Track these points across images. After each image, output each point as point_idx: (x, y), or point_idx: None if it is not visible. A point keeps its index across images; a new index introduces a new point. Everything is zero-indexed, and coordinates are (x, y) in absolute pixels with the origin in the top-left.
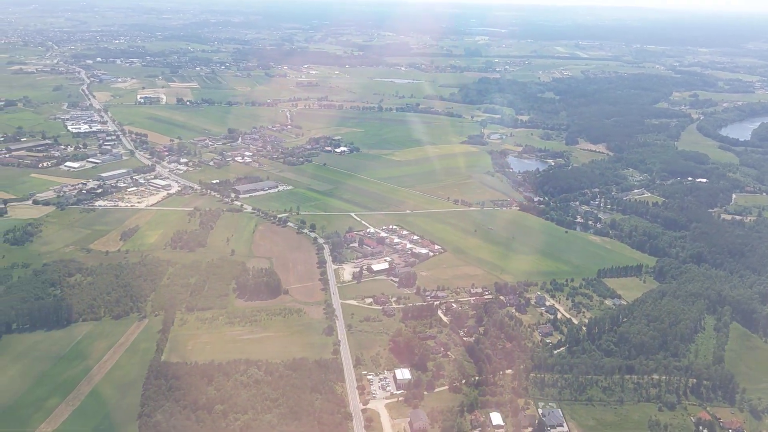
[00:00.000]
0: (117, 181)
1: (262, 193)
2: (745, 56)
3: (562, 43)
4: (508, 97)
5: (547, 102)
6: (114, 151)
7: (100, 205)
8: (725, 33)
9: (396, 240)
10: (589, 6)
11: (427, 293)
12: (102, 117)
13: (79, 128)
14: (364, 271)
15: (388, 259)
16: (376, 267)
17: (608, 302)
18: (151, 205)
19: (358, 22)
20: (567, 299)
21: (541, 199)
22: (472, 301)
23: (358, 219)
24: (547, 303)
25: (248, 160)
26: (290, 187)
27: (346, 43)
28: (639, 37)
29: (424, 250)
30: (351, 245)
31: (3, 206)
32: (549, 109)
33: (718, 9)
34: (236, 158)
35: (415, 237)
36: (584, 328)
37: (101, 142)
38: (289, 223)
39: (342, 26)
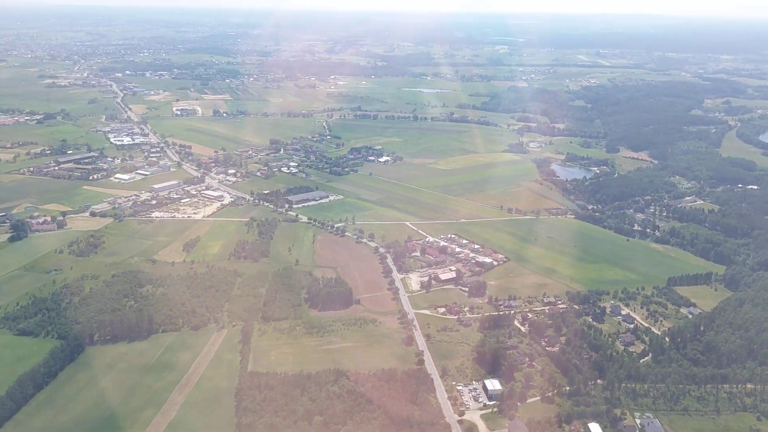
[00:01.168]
0: (169, 193)
1: (313, 203)
2: None
3: (583, 52)
4: (541, 105)
5: (579, 110)
6: (161, 162)
7: (156, 217)
8: (743, 39)
9: (457, 249)
10: (601, 14)
11: (500, 303)
12: (142, 129)
13: (122, 140)
14: (432, 281)
15: (453, 268)
16: (443, 276)
17: (683, 310)
18: (208, 216)
19: (375, 33)
20: (641, 308)
21: (595, 207)
22: (547, 311)
23: (414, 228)
24: (623, 312)
25: (294, 170)
26: (340, 196)
27: (367, 54)
28: (658, 45)
29: (487, 259)
30: (413, 254)
31: (62, 218)
32: (582, 117)
33: (729, 16)
34: (282, 168)
35: (476, 246)
36: (667, 338)
37: (147, 154)
38: (347, 233)
39: (360, 38)
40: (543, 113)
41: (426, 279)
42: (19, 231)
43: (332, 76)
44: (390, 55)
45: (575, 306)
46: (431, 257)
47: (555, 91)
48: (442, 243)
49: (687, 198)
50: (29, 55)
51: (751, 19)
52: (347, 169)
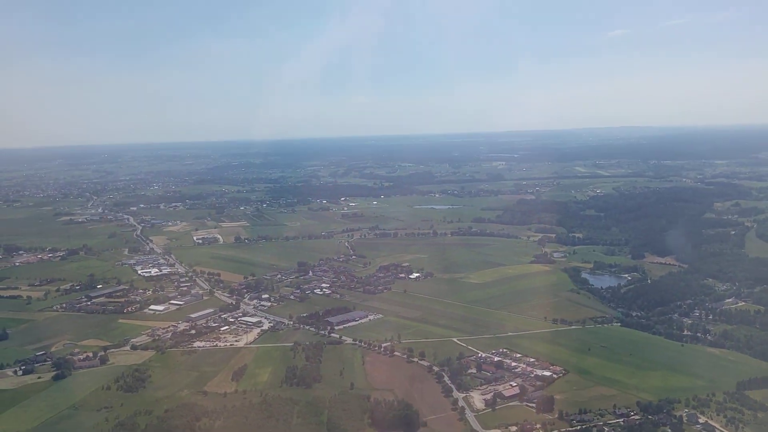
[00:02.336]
0: (207, 321)
1: (353, 323)
2: (761, 165)
3: (580, 164)
4: (554, 216)
5: (593, 219)
6: (193, 291)
7: (198, 346)
8: (734, 145)
9: (512, 364)
10: (587, 128)
11: (571, 417)
12: (167, 260)
13: (150, 272)
14: (497, 398)
15: (514, 383)
16: (506, 393)
17: (760, 415)
18: (250, 343)
19: (374, 156)
20: (717, 415)
21: (639, 313)
22: (622, 423)
23: (463, 344)
24: (701, 420)
25: (327, 291)
26: (380, 315)
27: (371, 175)
28: (652, 154)
29: (546, 373)
30: (469, 372)
31: (104, 353)
32: (598, 226)
33: (714, 124)
34: (315, 290)
35: (531, 359)
36: None
37: (177, 284)
38: (396, 353)
39: (360, 161)
40: (558, 224)
41: (489, 397)
42: (63, 369)
43: (342, 198)
44: (393, 175)
45: (649, 416)
46: (487, 373)
47: (564, 202)
48: (496, 358)
49: (728, 300)
50: (41, 195)
51: (737, 126)
52: (380, 288)
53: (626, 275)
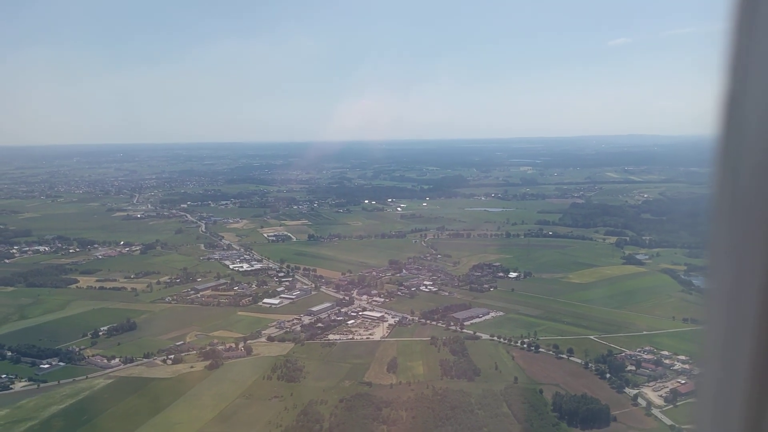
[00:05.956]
0: (329, 315)
1: (478, 320)
2: None
3: (609, 169)
4: (617, 219)
5: (656, 223)
6: (298, 286)
7: (335, 339)
8: None
9: (667, 362)
10: (594, 136)
11: None
12: (251, 255)
13: (242, 267)
14: (674, 395)
15: (681, 381)
16: (682, 389)
17: None
18: (385, 337)
19: (393, 160)
20: None
21: None
22: None
23: (602, 342)
24: None
25: (433, 288)
26: (501, 313)
27: (401, 178)
28: (675, 161)
29: None
30: (628, 369)
31: (243, 344)
32: (664, 230)
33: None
34: (420, 288)
35: (681, 357)
36: None
37: (276, 279)
38: (540, 349)
39: (382, 164)
40: (624, 227)
41: (665, 393)
42: (213, 359)
43: (389, 200)
44: (424, 178)
45: None
46: (647, 370)
47: (619, 206)
48: (646, 356)
49: None
50: (80, 191)
51: None
52: (485, 286)
53: None
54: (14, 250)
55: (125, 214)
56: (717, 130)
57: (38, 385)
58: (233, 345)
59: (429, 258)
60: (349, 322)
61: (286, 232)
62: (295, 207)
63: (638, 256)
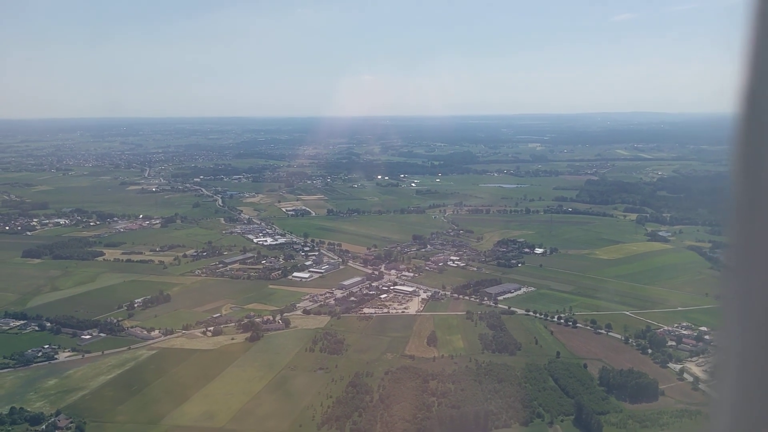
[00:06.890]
0: (360, 289)
1: (511, 295)
2: None
3: (618, 147)
4: (633, 196)
5: (674, 200)
6: (326, 260)
7: (371, 313)
8: None
9: (707, 337)
10: (599, 113)
11: None
12: (274, 229)
13: (266, 240)
14: None
15: None
16: None
17: None
18: (420, 311)
19: (399, 136)
20: None
21: None
22: None
23: (639, 317)
24: None
25: (461, 263)
26: (532, 288)
27: (410, 154)
28: (685, 139)
29: None
30: (669, 344)
31: (281, 317)
32: (682, 207)
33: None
34: (448, 263)
35: None
36: None
37: (303, 253)
38: (578, 324)
39: (387, 140)
40: (642, 204)
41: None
42: (254, 331)
43: (402, 175)
44: (433, 155)
45: None
46: (687, 345)
47: (634, 183)
48: (686, 332)
49: None
50: (89, 165)
51: None
52: (513, 261)
53: None
54: (34, 222)
55: (140, 187)
56: (739, 113)
57: (83, 356)
58: (270, 318)
59: (452, 233)
60: (382, 296)
61: (304, 207)
62: (309, 182)
63: (661, 233)
